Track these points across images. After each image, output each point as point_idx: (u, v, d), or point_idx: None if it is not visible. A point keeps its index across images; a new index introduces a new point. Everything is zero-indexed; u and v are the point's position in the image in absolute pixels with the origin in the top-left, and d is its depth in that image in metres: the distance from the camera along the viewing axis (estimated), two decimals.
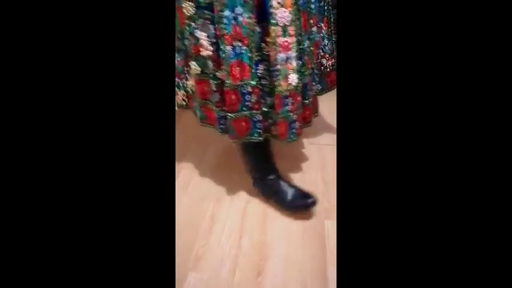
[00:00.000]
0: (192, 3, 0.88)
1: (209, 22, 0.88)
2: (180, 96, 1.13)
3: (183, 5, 0.89)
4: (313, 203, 1.12)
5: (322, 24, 0.97)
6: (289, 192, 1.15)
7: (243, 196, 1.26)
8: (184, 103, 1.14)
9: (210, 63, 0.94)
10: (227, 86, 0.93)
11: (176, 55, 1.05)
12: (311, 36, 0.95)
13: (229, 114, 0.98)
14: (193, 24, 0.91)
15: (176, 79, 1.10)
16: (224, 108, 1.00)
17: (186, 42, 0.97)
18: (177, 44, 1.02)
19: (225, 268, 1.00)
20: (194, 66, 0.98)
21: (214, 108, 1.02)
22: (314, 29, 0.95)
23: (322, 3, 0.95)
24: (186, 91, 1.10)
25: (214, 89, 0.98)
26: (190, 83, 1.05)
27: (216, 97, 0.99)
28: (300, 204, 1.14)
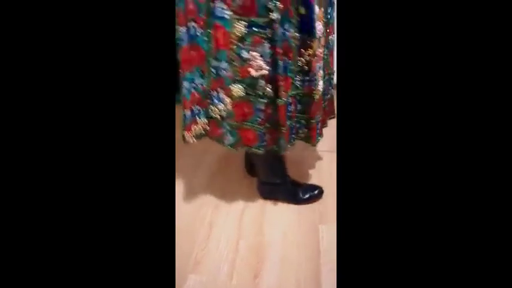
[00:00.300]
0: (245, 23, 0.83)
1: (265, 41, 0.85)
2: (200, 125, 1.01)
3: (235, 25, 0.83)
4: (321, 192, 1.29)
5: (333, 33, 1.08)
6: (300, 190, 1.29)
7: (240, 201, 1.30)
8: (203, 132, 1.03)
9: (263, 82, 0.91)
10: (282, 102, 0.93)
11: (202, 81, 0.94)
12: (328, 45, 1.05)
13: (282, 128, 0.98)
14: (241, 44, 0.85)
15: (196, 107, 0.98)
16: (267, 125, 0.99)
17: (225, 65, 0.89)
18: (203, 68, 0.92)
19: (223, 271, 1.04)
20: (238, 88, 0.92)
21: (256, 127, 0.98)
22: (331, 37, 1.05)
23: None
24: (210, 117, 1.00)
25: (263, 107, 0.95)
26: (221, 107, 0.97)
27: (260, 116, 0.96)
28: (311, 197, 1.28)
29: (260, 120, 0.98)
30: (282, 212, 1.25)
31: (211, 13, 0.83)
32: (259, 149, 1.03)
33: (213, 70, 0.92)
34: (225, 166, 1.49)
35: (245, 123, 0.98)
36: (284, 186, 1.27)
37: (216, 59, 0.90)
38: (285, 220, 1.21)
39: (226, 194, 1.32)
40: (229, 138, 1.02)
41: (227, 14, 0.82)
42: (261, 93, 0.93)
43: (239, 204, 1.28)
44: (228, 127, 1.00)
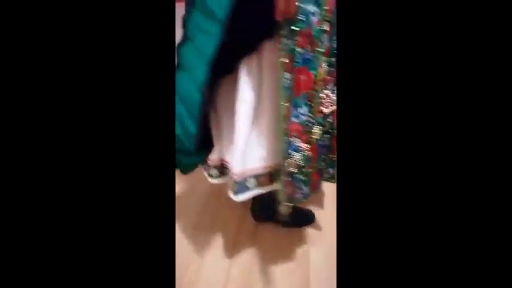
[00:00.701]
0: (327, 63, 0.84)
1: (331, 78, 0.88)
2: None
3: (322, 65, 0.81)
4: (313, 217, 1.36)
5: None
6: (292, 214, 1.25)
7: (234, 223, 1.33)
8: None
9: (331, 118, 0.92)
10: (335, 132, 0.98)
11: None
12: None
13: (334, 156, 1.01)
14: (322, 84, 0.85)
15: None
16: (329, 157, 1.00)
17: (304, 109, 0.84)
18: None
19: None
20: (317, 129, 0.88)
21: (321, 164, 0.96)
22: None
23: None
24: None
25: (326, 143, 0.95)
26: (298, 156, 0.88)
27: (324, 152, 0.96)
28: (302, 222, 1.32)
29: (325, 157, 0.97)
30: (274, 235, 1.26)
31: (295, 57, 0.79)
32: (317, 191, 1.01)
33: (290, 118, 0.85)
34: (218, 189, 1.42)
35: (314, 165, 0.95)
36: (268, 206, 1.24)
37: (295, 105, 0.84)
38: (277, 243, 1.23)
39: (220, 217, 1.34)
40: (304, 190, 0.94)
41: (312, 55, 0.80)
42: (326, 129, 0.94)
43: (232, 228, 1.28)
44: (301, 177, 0.92)
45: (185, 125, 0.86)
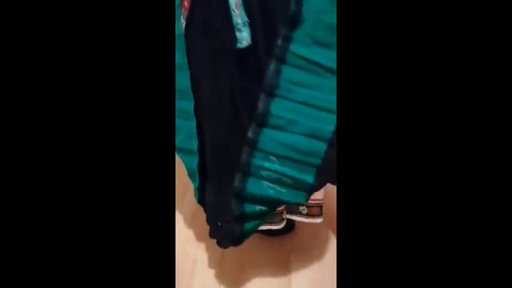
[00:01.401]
0: None
1: None
2: None
3: None
4: (292, 227, 1.30)
5: None
6: None
7: None
8: None
9: None
10: None
11: None
12: None
13: None
14: None
15: None
16: None
17: None
18: None
19: None
20: None
21: None
22: None
23: None
24: None
25: None
26: None
27: None
28: (285, 230, 1.26)
29: None
30: (262, 244, 1.26)
31: None
32: None
33: None
34: None
35: None
36: None
37: None
38: (263, 250, 1.24)
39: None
40: None
41: None
42: None
43: None
44: None
45: (288, 178, 0.82)
